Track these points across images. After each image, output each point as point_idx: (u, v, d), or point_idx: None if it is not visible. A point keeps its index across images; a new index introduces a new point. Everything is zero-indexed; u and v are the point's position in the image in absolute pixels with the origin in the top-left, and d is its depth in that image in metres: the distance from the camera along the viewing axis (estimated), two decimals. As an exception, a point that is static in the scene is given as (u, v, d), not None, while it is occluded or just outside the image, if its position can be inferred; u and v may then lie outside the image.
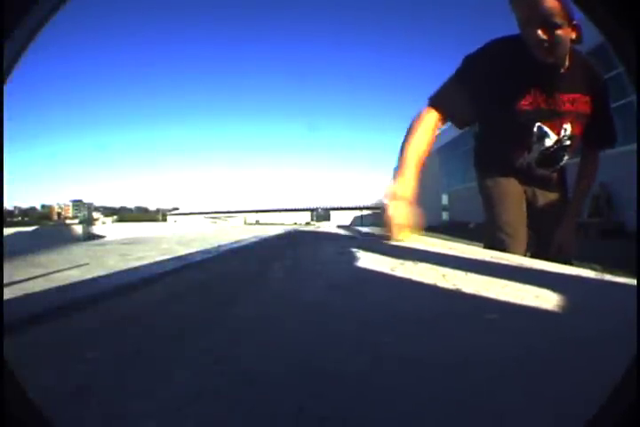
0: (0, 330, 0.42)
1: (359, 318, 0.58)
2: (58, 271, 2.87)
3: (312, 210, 43.20)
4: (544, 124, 1.27)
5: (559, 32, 1.08)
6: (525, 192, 1.43)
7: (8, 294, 0.91)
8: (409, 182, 1.15)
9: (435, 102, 1.23)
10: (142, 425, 0.32)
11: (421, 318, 0.57)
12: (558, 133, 1.29)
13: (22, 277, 2.54)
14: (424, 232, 1.36)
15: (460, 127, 1.32)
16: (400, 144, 1.18)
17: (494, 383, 0.37)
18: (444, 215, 18.24)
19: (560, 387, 0.35)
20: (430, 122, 1.20)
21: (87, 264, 3.18)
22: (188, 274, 1.01)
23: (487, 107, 1.27)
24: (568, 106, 1.24)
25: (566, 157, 1.37)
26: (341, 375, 0.39)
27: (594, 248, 4.67)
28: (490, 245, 1.34)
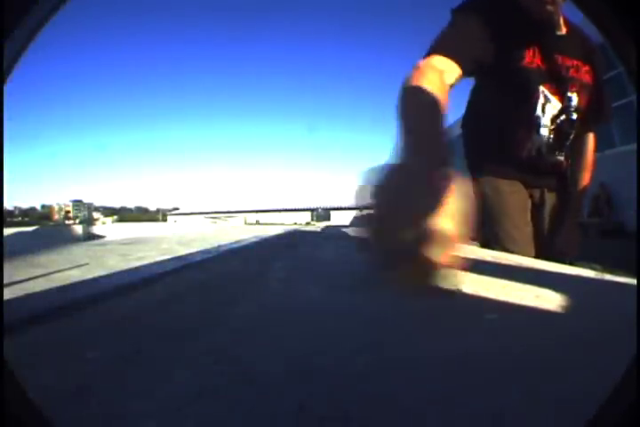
0: (0, 330, 0.42)
1: (362, 318, 0.58)
2: (58, 271, 2.87)
3: (312, 210, 43.20)
4: (549, 88, 1.12)
5: None
6: (532, 196, 1.26)
7: (8, 294, 0.91)
8: (443, 157, 0.56)
9: (439, 49, 0.91)
10: (142, 425, 0.32)
11: (422, 318, 0.57)
12: (562, 102, 1.14)
13: (23, 278, 2.54)
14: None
15: (468, 74, 0.99)
16: (399, 103, 0.65)
17: (494, 383, 0.37)
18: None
19: (560, 387, 0.35)
20: (440, 69, 0.84)
21: (87, 264, 3.18)
22: (189, 274, 1.01)
23: (486, 64, 1.03)
24: (572, 71, 1.12)
25: (573, 136, 1.19)
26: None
27: (594, 248, 4.66)
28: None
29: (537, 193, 1.27)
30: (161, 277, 0.95)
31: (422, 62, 0.87)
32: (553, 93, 1.13)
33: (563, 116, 1.15)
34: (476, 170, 1.24)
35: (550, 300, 0.61)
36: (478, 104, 1.28)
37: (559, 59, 1.12)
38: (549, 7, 1.03)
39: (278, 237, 2.49)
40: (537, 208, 1.28)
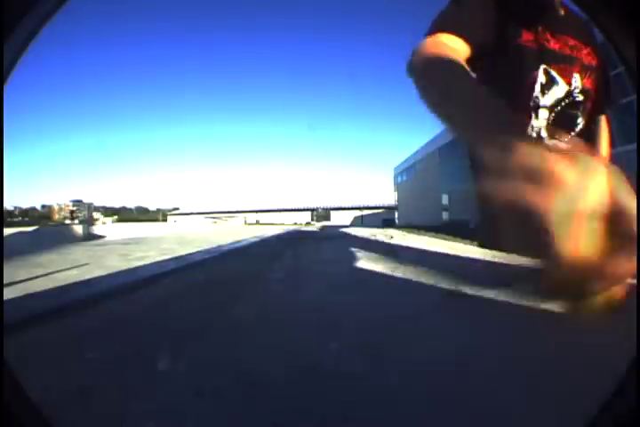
0: (0, 330, 0.42)
1: (360, 318, 0.58)
2: (58, 271, 2.87)
3: (312, 210, 43.21)
4: (553, 68, 1.06)
5: None
6: None
7: (8, 294, 0.91)
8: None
9: (445, 25, 0.84)
10: (142, 425, 0.32)
11: (422, 317, 0.57)
12: (569, 83, 1.08)
13: (23, 278, 2.54)
14: (424, 232, 1.12)
15: (477, 55, 0.97)
16: (423, 88, 0.60)
17: (494, 383, 0.37)
18: (444, 215, 18.25)
19: (560, 387, 0.35)
20: (451, 47, 0.79)
21: (87, 264, 3.18)
22: (189, 274, 1.01)
23: (489, 45, 1.02)
24: (576, 52, 1.07)
25: (580, 120, 1.10)
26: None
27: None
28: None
29: None
30: (161, 277, 0.95)
31: (430, 40, 0.78)
32: (560, 74, 1.06)
33: (568, 99, 1.07)
34: (477, 169, 1.22)
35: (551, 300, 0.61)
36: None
37: (563, 38, 1.05)
38: None
39: (278, 238, 2.49)
40: None
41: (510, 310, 0.56)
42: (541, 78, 1.05)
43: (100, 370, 0.42)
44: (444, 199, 18.67)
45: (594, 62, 1.08)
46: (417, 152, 23.04)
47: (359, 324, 0.55)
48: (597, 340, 0.41)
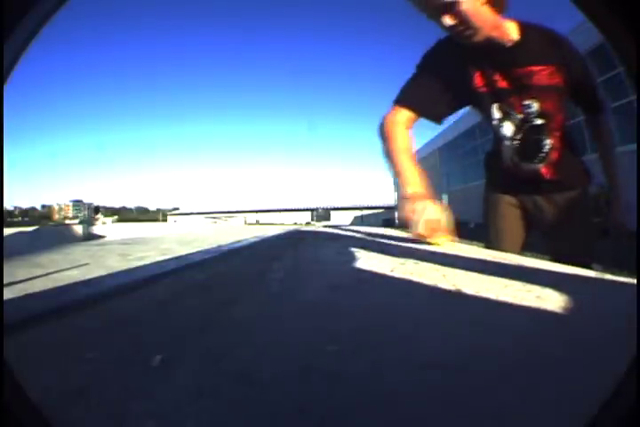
0: (0, 330, 0.42)
1: (360, 318, 0.58)
2: (58, 271, 2.87)
3: (312, 210, 43.18)
4: (504, 104, 1.19)
5: (463, 8, 1.00)
6: (526, 207, 1.35)
7: (8, 294, 0.91)
8: (421, 183, 1.14)
9: (403, 101, 1.20)
10: (142, 425, 0.32)
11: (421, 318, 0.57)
12: (521, 112, 1.18)
13: (23, 278, 2.54)
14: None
15: (438, 122, 1.26)
16: (383, 147, 1.18)
17: (494, 384, 0.37)
18: (445, 215, 18.21)
19: (560, 387, 0.35)
20: (402, 122, 1.19)
21: (87, 264, 3.18)
22: (189, 274, 1.01)
23: (455, 98, 1.22)
24: (525, 80, 1.14)
25: (549, 141, 1.21)
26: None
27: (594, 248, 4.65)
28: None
29: (529, 202, 1.34)
30: (161, 277, 0.95)
31: (391, 115, 1.21)
32: (511, 108, 1.19)
33: (526, 126, 1.20)
34: (485, 181, 1.48)
35: (551, 300, 0.61)
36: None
37: (512, 72, 1.15)
38: (477, 36, 1.06)
39: (278, 238, 2.49)
40: (534, 216, 1.35)
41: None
42: (496, 115, 1.21)
43: (100, 370, 0.42)
44: (444, 199, 18.67)
45: (556, 79, 1.15)
46: (417, 152, 22.98)
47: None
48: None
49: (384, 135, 1.19)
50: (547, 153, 1.23)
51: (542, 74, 1.14)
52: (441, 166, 18.45)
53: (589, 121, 1.34)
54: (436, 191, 18.50)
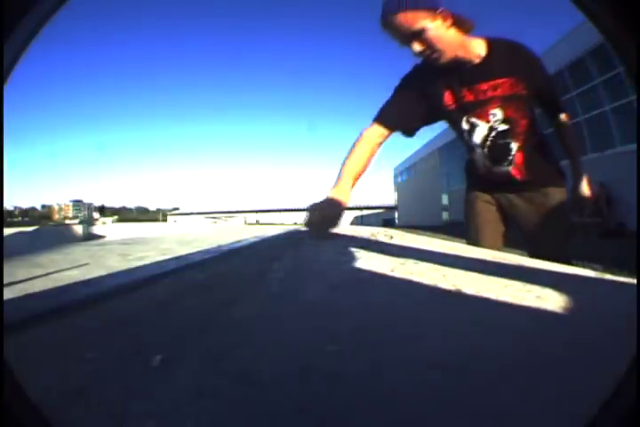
0: (0, 330, 0.42)
1: (360, 317, 0.58)
2: (58, 271, 2.87)
3: (312, 210, 43.05)
4: (472, 116, 1.34)
5: (429, 35, 1.13)
6: (501, 204, 1.48)
7: (8, 294, 0.91)
8: (345, 192, 1.27)
9: (379, 118, 1.37)
10: (142, 425, 0.32)
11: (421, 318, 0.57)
12: (488, 121, 1.33)
13: (23, 278, 2.54)
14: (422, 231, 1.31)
15: (409, 134, 1.44)
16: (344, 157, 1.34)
17: (494, 383, 0.37)
18: (445, 215, 18.24)
19: (560, 387, 0.35)
20: (373, 137, 1.35)
21: (87, 264, 3.18)
22: (189, 274, 1.01)
23: (427, 114, 1.39)
24: (490, 93, 1.27)
25: (515, 144, 1.35)
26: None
27: (594, 248, 4.67)
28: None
29: (504, 200, 1.48)
30: (161, 277, 0.95)
31: (365, 130, 1.36)
32: (478, 118, 1.34)
33: (493, 132, 1.35)
34: (467, 188, 1.59)
35: (551, 300, 0.61)
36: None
37: (478, 87, 1.29)
38: (445, 57, 1.20)
39: (278, 237, 2.49)
40: (509, 212, 1.48)
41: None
42: (465, 127, 1.38)
43: (100, 370, 0.42)
44: (444, 199, 18.67)
45: (518, 88, 1.28)
46: (417, 152, 23.03)
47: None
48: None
49: (352, 145, 1.34)
50: (514, 155, 1.36)
51: (505, 85, 1.27)
52: (441, 166, 18.46)
53: (552, 121, 1.46)
54: (437, 191, 18.52)
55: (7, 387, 0.27)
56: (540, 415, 0.31)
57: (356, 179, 1.29)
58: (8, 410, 0.26)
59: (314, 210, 1.20)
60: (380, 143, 1.37)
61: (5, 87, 0.34)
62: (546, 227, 1.39)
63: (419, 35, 1.13)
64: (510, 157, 1.36)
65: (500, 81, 1.25)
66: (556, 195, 1.40)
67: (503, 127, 1.31)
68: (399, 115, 1.36)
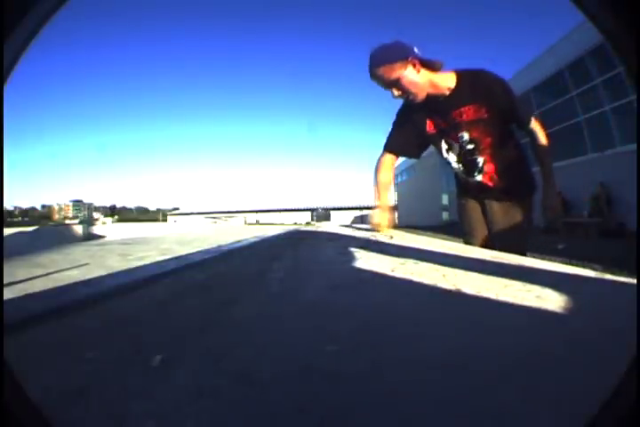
0: (0, 330, 0.42)
1: (360, 317, 0.58)
2: (58, 271, 2.87)
3: (312, 210, 43.18)
4: (447, 139, 1.66)
5: (403, 82, 1.45)
6: (482, 205, 1.78)
7: (8, 293, 0.91)
8: (386, 200, 1.87)
9: (388, 148, 1.80)
10: (142, 425, 0.32)
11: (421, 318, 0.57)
12: (458, 142, 1.65)
13: (23, 278, 2.54)
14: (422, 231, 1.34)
15: (415, 157, 1.86)
16: (373, 178, 1.85)
17: (494, 383, 0.37)
18: (445, 215, 18.24)
19: (560, 387, 0.35)
20: (388, 161, 1.83)
21: (87, 264, 3.18)
22: (189, 274, 1.01)
23: (421, 141, 1.74)
24: (458, 119, 1.57)
25: (481, 158, 1.65)
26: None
27: (594, 248, 4.67)
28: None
29: (484, 203, 1.76)
30: (161, 277, 0.95)
31: (382, 157, 1.83)
32: (452, 140, 1.65)
33: (463, 151, 1.65)
34: (456, 195, 1.94)
35: (551, 300, 0.61)
36: None
37: (450, 115, 1.58)
38: (420, 96, 1.51)
39: (278, 238, 2.48)
40: (486, 214, 1.77)
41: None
42: (444, 147, 1.71)
43: (100, 370, 0.42)
44: (444, 199, 18.66)
45: (479, 113, 1.55)
46: (417, 152, 22.91)
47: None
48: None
49: (375, 171, 1.84)
50: (482, 167, 1.68)
51: (469, 111, 1.55)
52: (441, 166, 18.46)
53: (524, 132, 1.68)
54: (437, 191, 18.51)
55: (7, 387, 0.27)
56: (540, 415, 0.31)
57: (388, 190, 1.89)
58: (8, 410, 0.26)
59: (373, 215, 1.89)
60: (394, 164, 1.86)
61: (5, 87, 0.34)
62: (507, 226, 1.64)
63: (395, 83, 1.45)
64: (479, 169, 1.68)
65: (464, 109, 1.54)
66: (525, 200, 1.65)
67: (470, 146, 1.63)
68: (400, 144, 1.77)
